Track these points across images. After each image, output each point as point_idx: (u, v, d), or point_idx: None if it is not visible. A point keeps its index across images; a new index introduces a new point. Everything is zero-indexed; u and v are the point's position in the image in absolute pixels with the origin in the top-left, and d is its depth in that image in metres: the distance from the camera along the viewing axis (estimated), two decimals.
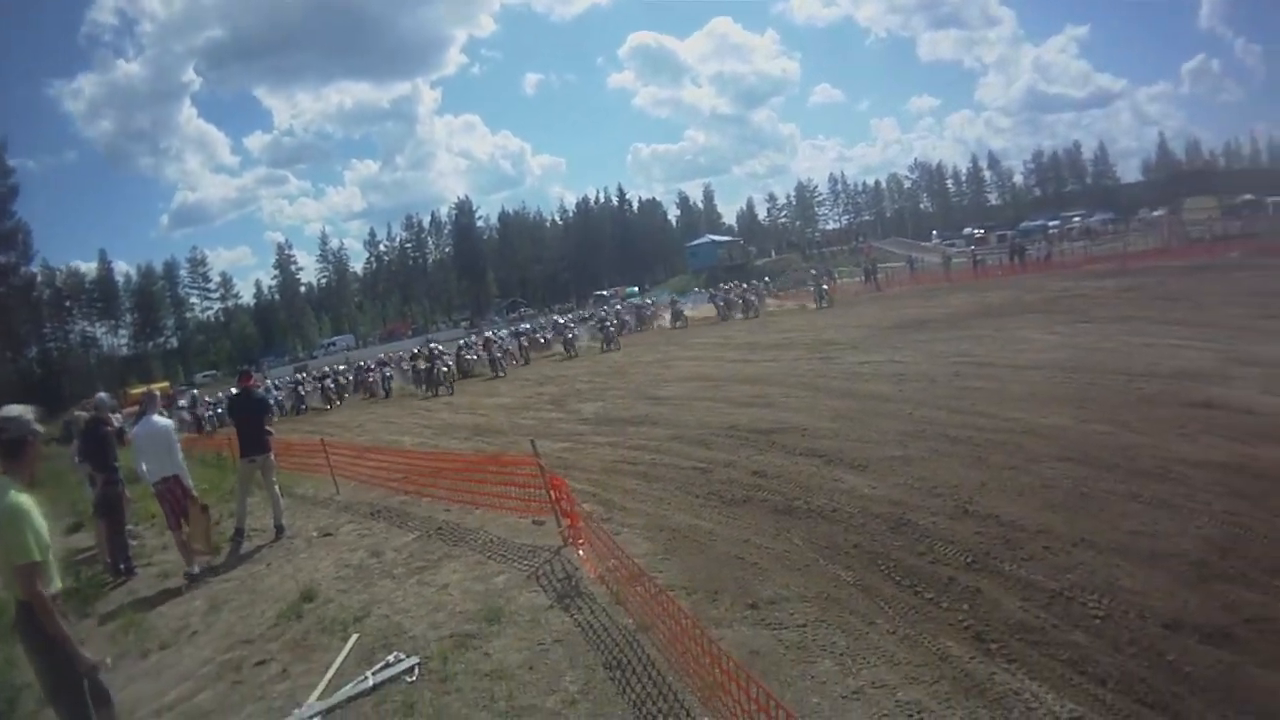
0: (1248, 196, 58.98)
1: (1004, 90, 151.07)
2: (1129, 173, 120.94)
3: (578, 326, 38.42)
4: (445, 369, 29.90)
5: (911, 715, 4.90)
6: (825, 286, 39.97)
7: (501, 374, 30.68)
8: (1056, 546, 6.74)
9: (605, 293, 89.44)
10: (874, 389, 14.35)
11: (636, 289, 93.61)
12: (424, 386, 30.33)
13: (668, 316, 42.71)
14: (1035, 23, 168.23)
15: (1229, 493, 7.32)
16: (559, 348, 35.88)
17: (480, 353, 34.60)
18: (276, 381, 40.02)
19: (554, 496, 8.77)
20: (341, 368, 38.89)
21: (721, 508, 9.20)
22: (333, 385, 35.26)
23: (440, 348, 33.60)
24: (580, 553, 8.19)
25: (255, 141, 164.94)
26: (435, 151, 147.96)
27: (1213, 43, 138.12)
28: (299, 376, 37.46)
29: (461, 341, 39.27)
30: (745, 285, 45.09)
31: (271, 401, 30.89)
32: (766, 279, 55.78)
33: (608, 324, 36.10)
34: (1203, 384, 11.27)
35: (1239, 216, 49.36)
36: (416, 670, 6.38)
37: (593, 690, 5.68)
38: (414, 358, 33.90)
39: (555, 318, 47.82)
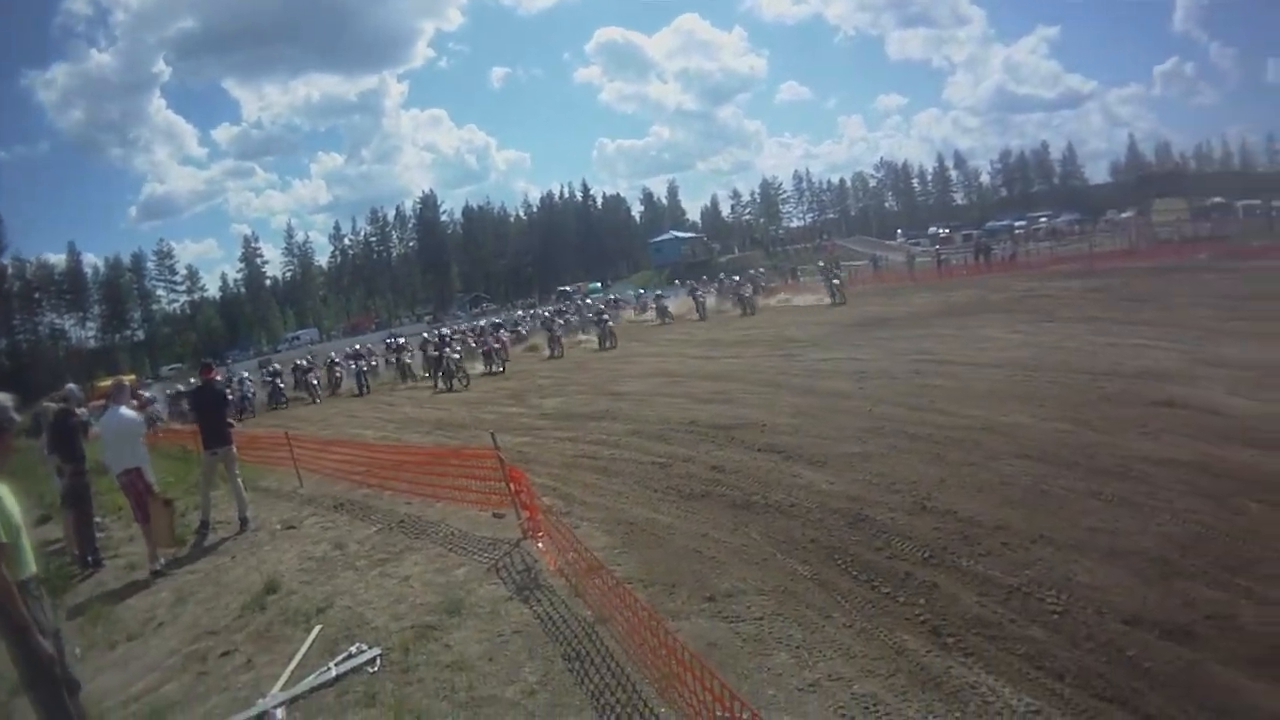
0: (1217, 199, 60.37)
1: (972, 90, 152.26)
2: (1097, 174, 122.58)
3: (559, 319, 36.66)
4: (456, 356, 27.18)
5: (868, 708, 4.98)
6: (836, 281, 37.08)
7: (499, 370, 28.48)
8: (1014, 542, 6.87)
9: (568, 288, 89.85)
10: (834, 386, 14.55)
11: (599, 284, 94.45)
12: (436, 378, 27.31)
13: (652, 312, 40.89)
14: (1006, 23, 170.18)
15: (1191, 491, 7.48)
16: (537, 342, 34.23)
17: (471, 344, 32.64)
18: (248, 375, 39.00)
19: (514, 490, 8.93)
20: (301, 362, 37.02)
21: (680, 502, 9.37)
22: (315, 380, 33.30)
23: (448, 333, 32.33)
24: (540, 545, 8.35)
25: (223, 133, 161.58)
26: (401, 145, 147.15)
27: (1187, 45, 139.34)
28: (275, 368, 36.03)
29: (426, 334, 37.46)
30: (737, 278, 43.35)
31: (248, 396, 30.86)
32: (761, 270, 53.92)
33: (605, 319, 33.09)
34: (1167, 384, 11.51)
35: (1208, 219, 50.41)
36: (378, 661, 6.50)
37: (551, 681, 5.80)
38: (423, 344, 32.40)
39: (543, 310, 46.77)
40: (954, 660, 5.39)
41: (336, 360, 35.11)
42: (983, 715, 4.81)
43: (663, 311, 39.57)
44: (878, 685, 5.20)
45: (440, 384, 26.66)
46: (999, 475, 8.48)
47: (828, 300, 35.79)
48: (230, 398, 30.04)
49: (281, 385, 33.18)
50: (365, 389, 30.80)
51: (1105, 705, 4.81)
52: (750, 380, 16.65)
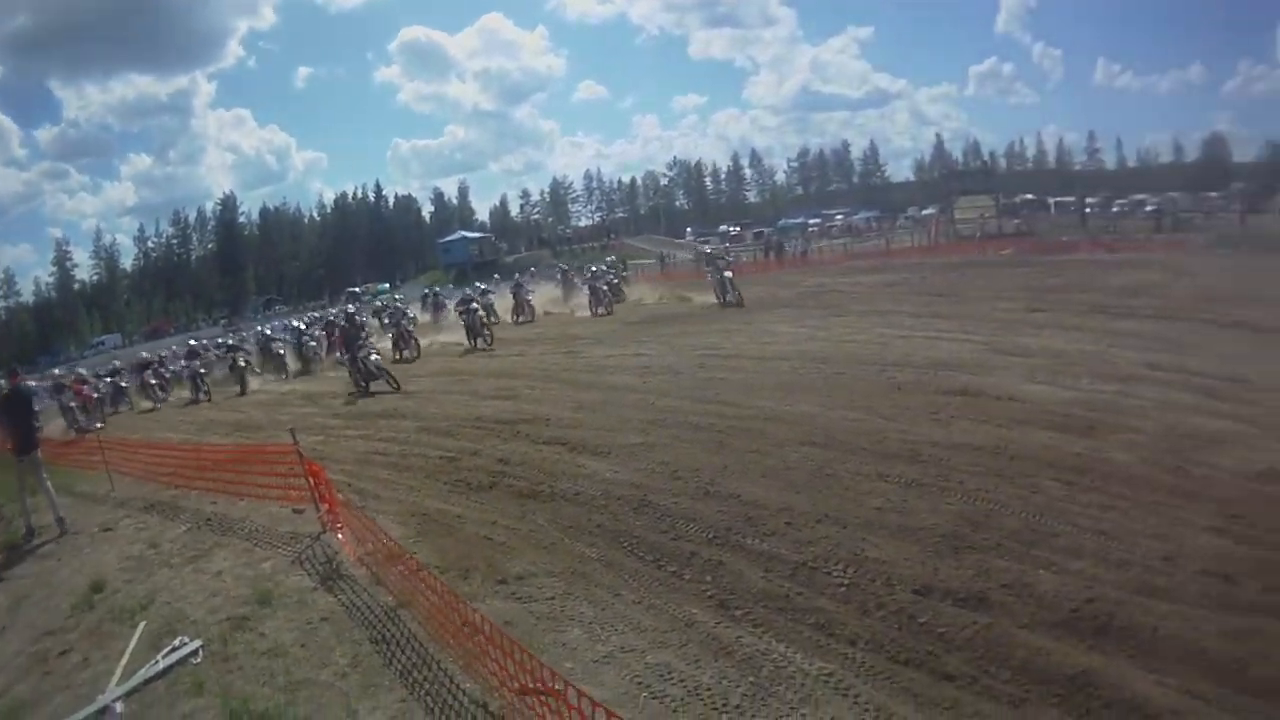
0: (1028, 196, 64.56)
1: (775, 89, 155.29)
2: (901, 173, 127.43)
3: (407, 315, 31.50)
4: (376, 357, 21.02)
5: (662, 675, 5.60)
6: (729, 274, 29.24)
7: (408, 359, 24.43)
8: (799, 523, 7.64)
9: (356, 289, 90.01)
10: (618, 381, 15.38)
11: (388, 285, 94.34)
12: (355, 379, 20.93)
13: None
14: (816, 23, 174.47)
15: (984, 472, 8.40)
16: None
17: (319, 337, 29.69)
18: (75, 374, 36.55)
19: (313, 484, 9.48)
20: (117, 364, 34.64)
21: (469, 493, 10.05)
22: (154, 380, 29.84)
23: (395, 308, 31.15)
24: (340, 537, 8.93)
25: (44, 134, 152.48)
26: (206, 146, 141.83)
27: (1008, 46, 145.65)
28: (116, 365, 33.47)
29: (268, 329, 35.26)
30: (595, 269, 36.56)
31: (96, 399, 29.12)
32: (613, 260, 46.78)
33: (473, 308, 27.43)
34: (961, 373, 12.68)
35: (1017, 215, 53.96)
36: (201, 652, 7.07)
37: (361, 663, 6.39)
38: (263, 342, 30.68)
39: (396, 299, 44.14)
40: (744, 630, 6.05)
41: (161, 362, 32.37)
42: (776, 679, 5.45)
43: (488, 309, 32.83)
44: (670, 655, 5.82)
45: (361, 385, 20.65)
46: (784, 461, 9.31)
47: (713, 300, 28.93)
48: (98, 397, 29.18)
49: (125, 386, 31.57)
50: (203, 393, 27.43)
51: (900, 667, 5.48)
52: (535, 377, 17.38)
